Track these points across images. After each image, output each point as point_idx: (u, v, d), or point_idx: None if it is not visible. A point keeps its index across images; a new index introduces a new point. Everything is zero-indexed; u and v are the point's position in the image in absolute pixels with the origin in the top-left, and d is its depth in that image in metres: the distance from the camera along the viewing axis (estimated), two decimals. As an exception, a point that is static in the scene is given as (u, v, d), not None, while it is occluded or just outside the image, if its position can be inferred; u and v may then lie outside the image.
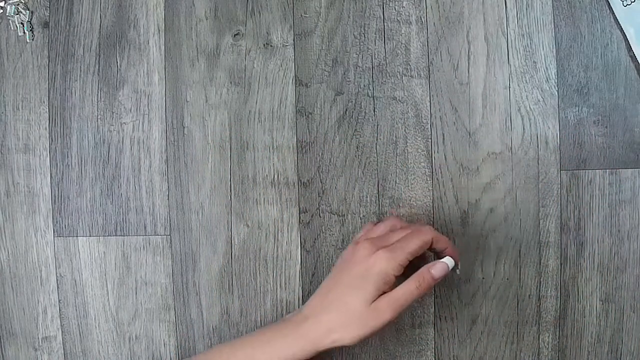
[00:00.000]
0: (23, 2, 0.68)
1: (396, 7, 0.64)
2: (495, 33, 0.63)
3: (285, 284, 0.66)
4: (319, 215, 0.65)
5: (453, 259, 0.56)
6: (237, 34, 0.66)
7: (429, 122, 0.64)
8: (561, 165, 0.62)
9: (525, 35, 0.62)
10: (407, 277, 0.54)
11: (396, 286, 0.54)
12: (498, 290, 0.63)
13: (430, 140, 0.64)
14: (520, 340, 0.63)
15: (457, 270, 0.57)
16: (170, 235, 0.66)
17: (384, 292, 0.53)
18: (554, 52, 0.62)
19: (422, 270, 0.54)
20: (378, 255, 0.53)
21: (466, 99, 0.63)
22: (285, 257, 0.65)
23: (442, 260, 0.55)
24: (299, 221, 0.65)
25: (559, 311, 0.62)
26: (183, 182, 0.66)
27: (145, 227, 0.67)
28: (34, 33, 0.68)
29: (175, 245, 0.66)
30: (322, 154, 0.65)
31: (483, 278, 0.63)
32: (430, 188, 0.64)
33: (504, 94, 0.63)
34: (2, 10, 0.68)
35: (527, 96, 0.62)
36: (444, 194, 0.64)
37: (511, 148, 0.63)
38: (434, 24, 0.64)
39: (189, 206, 0.66)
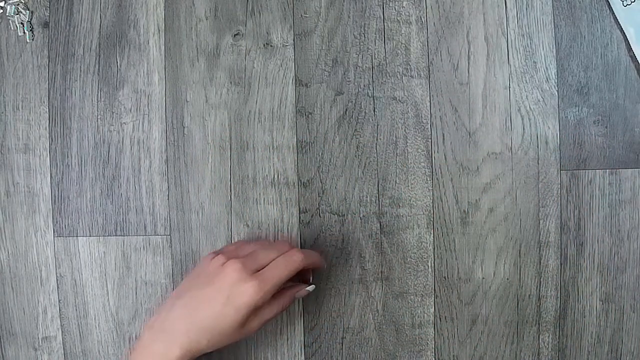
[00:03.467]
0: (23, 2, 0.68)
1: (396, 7, 0.64)
2: (495, 33, 0.63)
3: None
4: (319, 215, 0.65)
5: (319, 267, 0.61)
6: (237, 34, 0.66)
7: (429, 122, 0.64)
8: (561, 165, 0.62)
9: (525, 35, 0.62)
10: None
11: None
12: (498, 290, 0.63)
13: (430, 140, 0.64)
14: (520, 340, 0.63)
15: (309, 288, 0.61)
16: (170, 235, 0.66)
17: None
18: (554, 52, 0.62)
19: (288, 293, 0.59)
20: (248, 286, 0.54)
21: (466, 99, 0.63)
22: (285, 257, 0.65)
23: (306, 288, 0.60)
24: (299, 221, 0.65)
25: (559, 311, 0.62)
26: (183, 182, 0.66)
27: (145, 227, 0.67)
28: (34, 33, 0.68)
29: (175, 245, 0.66)
30: (322, 154, 0.65)
31: (483, 278, 0.63)
32: (430, 188, 0.64)
33: (504, 94, 0.63)
34: (2, 10, 0.68)
35: (527, 96, 0.62)
36: (444, 194, 0.64)
37: (511, 148, 0.63)
38: (434, 24, 0.64)
39: (189, 206, 0.66)
